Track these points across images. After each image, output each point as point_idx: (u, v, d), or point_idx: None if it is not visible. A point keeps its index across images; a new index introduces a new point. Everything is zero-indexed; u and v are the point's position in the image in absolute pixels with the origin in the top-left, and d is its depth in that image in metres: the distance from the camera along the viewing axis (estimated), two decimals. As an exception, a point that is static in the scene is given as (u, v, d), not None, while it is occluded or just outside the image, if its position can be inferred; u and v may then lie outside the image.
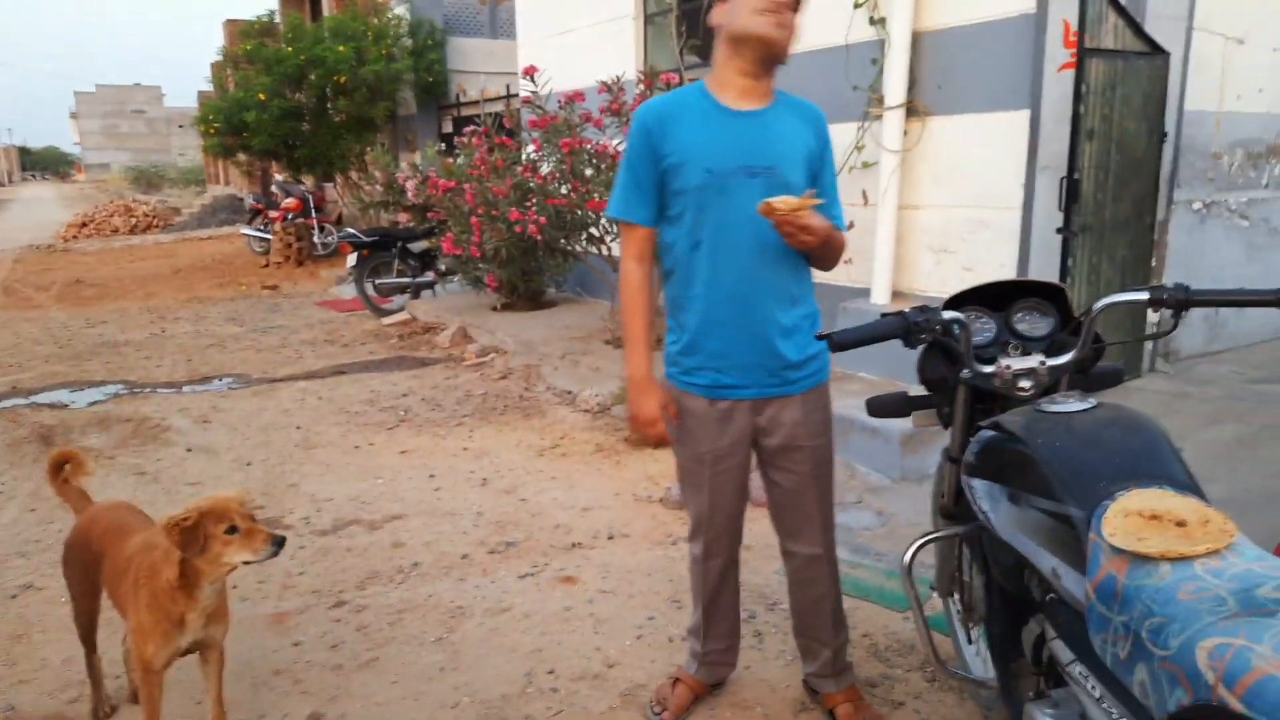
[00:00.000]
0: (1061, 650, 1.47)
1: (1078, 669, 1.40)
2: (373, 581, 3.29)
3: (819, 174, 2.08)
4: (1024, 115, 4.67)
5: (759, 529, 2.90)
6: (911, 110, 5.25)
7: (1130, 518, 1.33)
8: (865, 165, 5.60)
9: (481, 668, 2.69)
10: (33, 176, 71.84)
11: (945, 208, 5.25)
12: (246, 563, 2.10)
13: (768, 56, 1.95)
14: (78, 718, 2.52)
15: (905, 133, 5.26)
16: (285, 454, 4.90)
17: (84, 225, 21.01)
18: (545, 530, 3.72)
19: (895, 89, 5.20)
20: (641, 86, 6.32)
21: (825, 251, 2.02)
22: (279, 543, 2.09)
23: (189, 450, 5.01)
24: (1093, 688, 1.35)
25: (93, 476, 2.70)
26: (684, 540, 3.60)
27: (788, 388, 2.10)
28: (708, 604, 2.40)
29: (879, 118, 5.36)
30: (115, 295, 11.08)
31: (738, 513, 2.29)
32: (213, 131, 12.53)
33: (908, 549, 1.96)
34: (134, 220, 21.50)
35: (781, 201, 1.79)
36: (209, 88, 17.41)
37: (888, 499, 3.81)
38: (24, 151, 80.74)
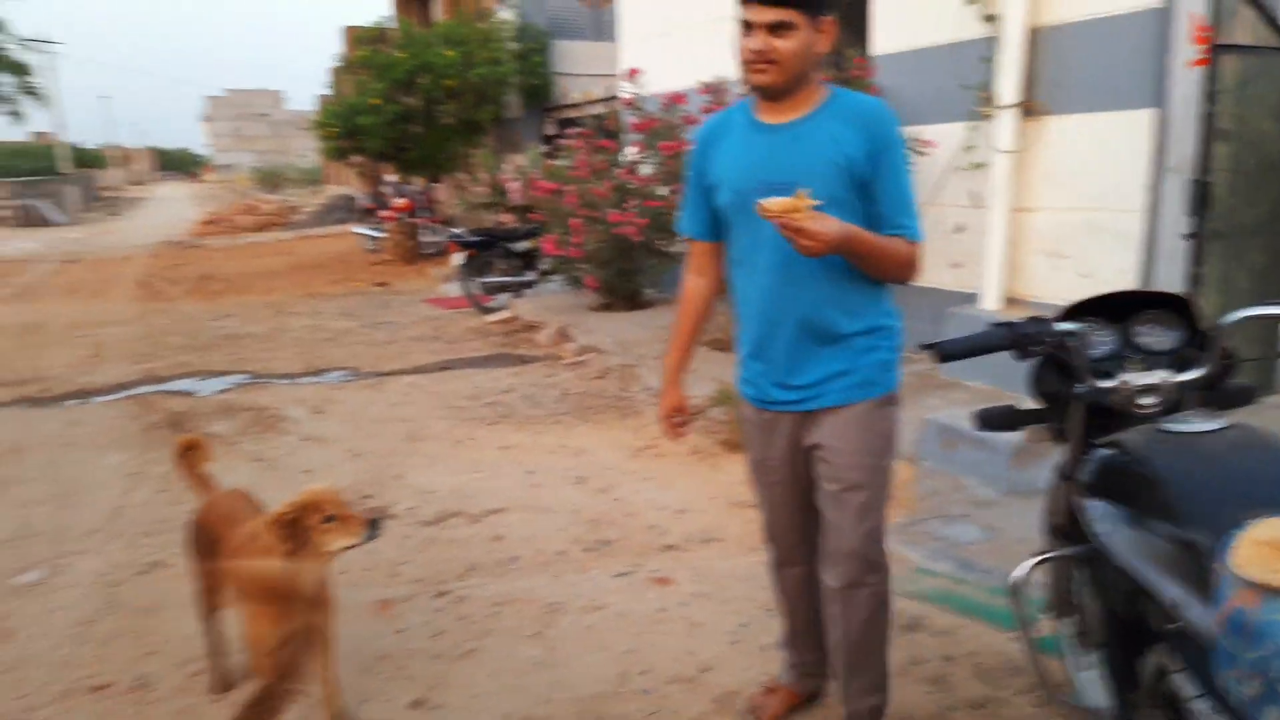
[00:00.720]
0: (1184, 685, 1.39)
1: (1202, 706, 1.32)
2: (473, 573, 3.39)
3: (872, 180, 1.90)
4: (1149, 114, 4.43)
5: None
6: (1026, 109, 5.06)
7: (1262, 548, 1.25)
8: (975, 166, 5.43)
9: (576, 665, 2.74)
10: (168, 176, 76.64)
11: (1062, 210, 5.03)
12: (347, 547, 2.19)
13: (765, 95, 1.94)
14: (200, 690, 2.68)
15: (1019, 133, 5.07)
16: (393, 446, 5.08)
17: (213, 222, 22.31)
18: (640, 530, 3.75)
19: (1009, 88, 5.01)
20: (743, 87, 6.29)
21: (869, 263, 1.90)
22: (374, 524, 2.19)
23: (303, 440, 5.25)
24: (1219, 726, 1.27)
25: (215, 462, 2.87)
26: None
27: (821, 400, 2.02)
28: (788, 612, 2.39)
29: (988, 117, 5.18)
30: (239, 290, 11.71)
31: (798, 525, 2.24)
32: (329, 134, 13.09)
33: (1017, 569, 1.89)
34: (257, 218, 22.70)
35: (774, 202, 1.70)
36: (327, 92, 18.20)
37: (995, 514, 3.67)
38: (160, 153, 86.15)
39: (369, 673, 2.73)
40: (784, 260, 1.91)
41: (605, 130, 7.80)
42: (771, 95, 1.92)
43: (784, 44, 1.83)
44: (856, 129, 1.89)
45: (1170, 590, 1.41)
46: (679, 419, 2.32)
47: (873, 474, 2.03)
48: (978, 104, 5.30)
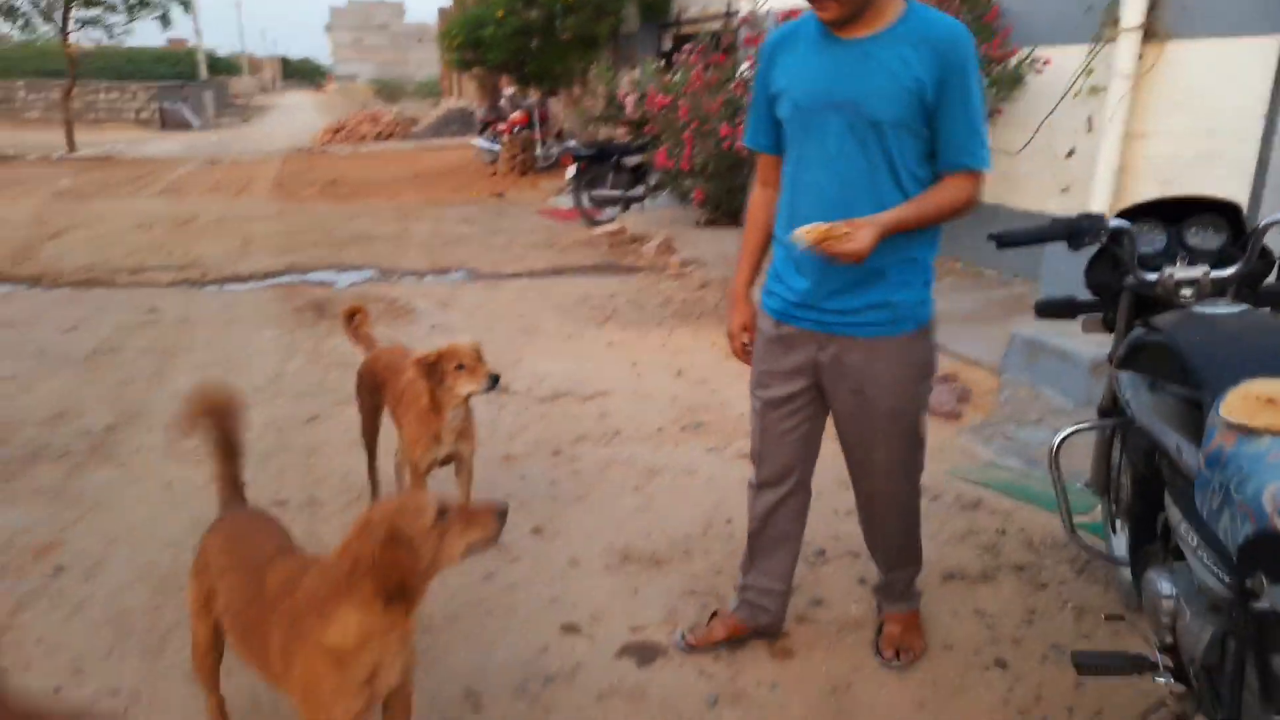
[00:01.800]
0: (1174, 513, 1.68)
1: (1184, 526, 1.61)
2: (583, 441, 3.85)
3: (939, 107, 1.82)
4: (1274, 41, 4.37)
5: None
6: (1149, 33, 5.01)
7: (1248, 400, 1.52)
8: (1093, 90, 5.41)
9: (671, 513, 3.17)
10: (292, 85, 79.21)
11: (1176, 137, 5.01)
12: (472, 393, 2.65)
13: (833, 25, 1.85)
14: (361, 509, 3.22)
15: (1140, 57, 5.03)
16: (510, 337, 5.58)
17: (337, 131, 23.26)
18: (731, 418, 4.12)
19: (1133, 10, 4.97)
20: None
21: (923, 226, 1.89)
22: (494, 379, 2.64)
23: (432, 327, 5.81)
24: (1193, 540, 1.57)
25: (373, 327, 3.38)
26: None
27: (851, 329, 2.00)
28: (755, 533, 2.36)
29: (1112, 40, 5.15)
30: (366, 194, 12.43)
31: (788, 446, 2.21)
32: (454, 45, 13.51)
33: (1055, 435, 2.17)
34: (379, 128, 23.52)
35: (806, 231, 1.75)
36: (448, 4, 18.59)
37: (1068, 421, 3.87)
38: (285, 62, 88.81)
39: (496, 507, 3.24)
40: (838, 181, 1.89)
41: (720, 46, 7.93)
42: (839, 26, 1.85)
43: None
44: (927, 52, 1.80)
45: (1173, 439, 1.69)
46: (748, 336, 2.24)
47: (910, 400, 2.07)
48: (1102, 25, 5.26)
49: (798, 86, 1.93)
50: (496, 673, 2.34)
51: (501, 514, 1.65)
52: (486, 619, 2.57)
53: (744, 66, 7.35)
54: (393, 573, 1.51)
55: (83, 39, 19.58)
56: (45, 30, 18.64)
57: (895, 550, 2.35)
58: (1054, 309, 2.31)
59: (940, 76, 1.80)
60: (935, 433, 3.90)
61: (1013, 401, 4.13)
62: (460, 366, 2.63)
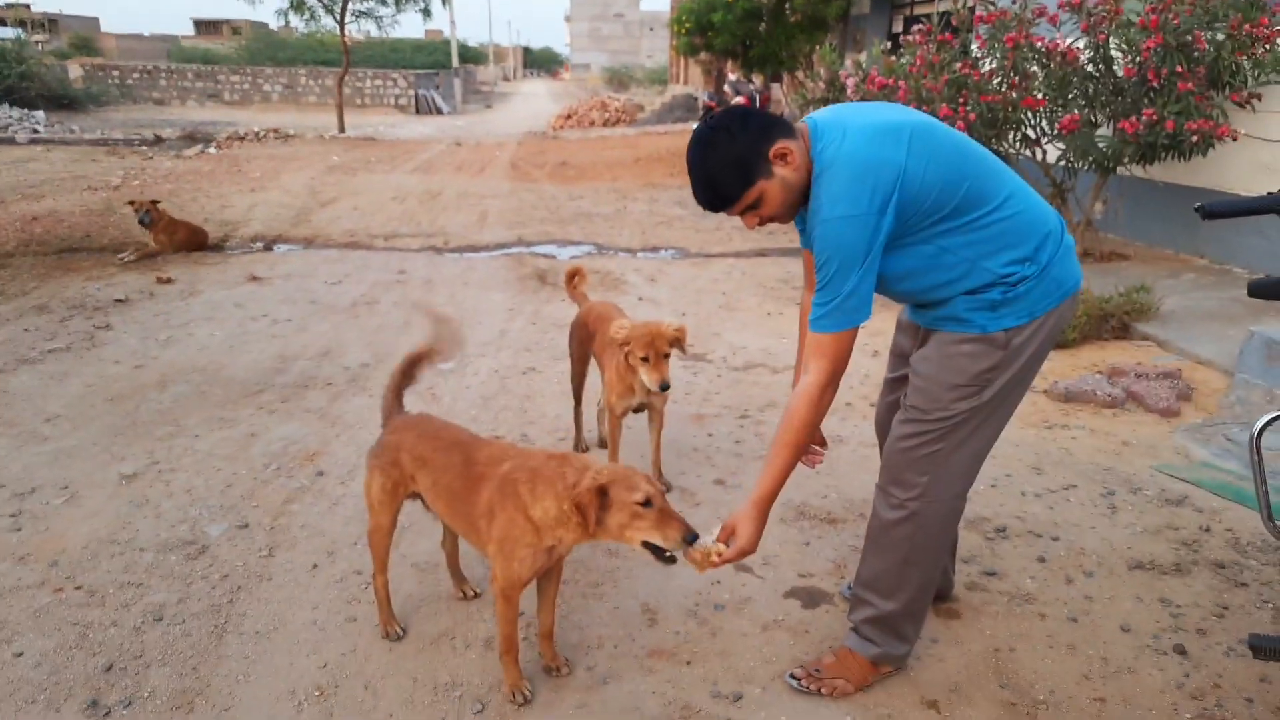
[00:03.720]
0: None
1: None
2: (771, 408, 4.00)
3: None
4: None
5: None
6: None
7: None
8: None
9: (850, 477, 3.27)
10: (531, 74, 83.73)
11: None
12: (647, 386, 2.91)
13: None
14: (565, 448, 3.58)
15: None
16: (712, 311, 5.81)
17: (569, 117, 24.53)
18: (926, 398, 4.11)
19: None
20: (1109, -21, 5.94)
21: (795, 453, 1.93)
22: (664, 386, 2.87)
23: (640, 299, 6.15)
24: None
25: (589, 286, 3.71)
26: (1059, 426, 3.79)
27: (919, 318, 2.12)
28: None
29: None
30: (590, 176, 13.11)
31: (883, 430, 2.35)
32: (684, 31, 13.91)
33: (1257, 421, 2.08)
34: (607, 115, 24.56)
35: (693, 561, 1.90)
36: (681, -8, 19.04)
37: (1307, 429, 3.56)
38: (526, 51, 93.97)
39: (684, 457, 3.48)
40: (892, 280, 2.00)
41: (950, 26, 7.68)
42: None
43: (764, 210, 1.92)
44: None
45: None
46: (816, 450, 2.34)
47: (928, 397, 2.00)
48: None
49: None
50: (673, 595, 2.57)
51: (691, 539, 1.84)
52: (667, 551, 2.81)
53: (974, 46, 7.09)
54: (581, 509, 1.87)
55: (355, 31, 21.88)
56: (326, 22, 20.97)
57: (864, 562, 2.21)
58: (1270, 290, 2.18)
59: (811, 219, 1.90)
60: (1147, 429, 3.73)
61: (1242, 403, 3.82)
62: (645, 359, 2.87)
